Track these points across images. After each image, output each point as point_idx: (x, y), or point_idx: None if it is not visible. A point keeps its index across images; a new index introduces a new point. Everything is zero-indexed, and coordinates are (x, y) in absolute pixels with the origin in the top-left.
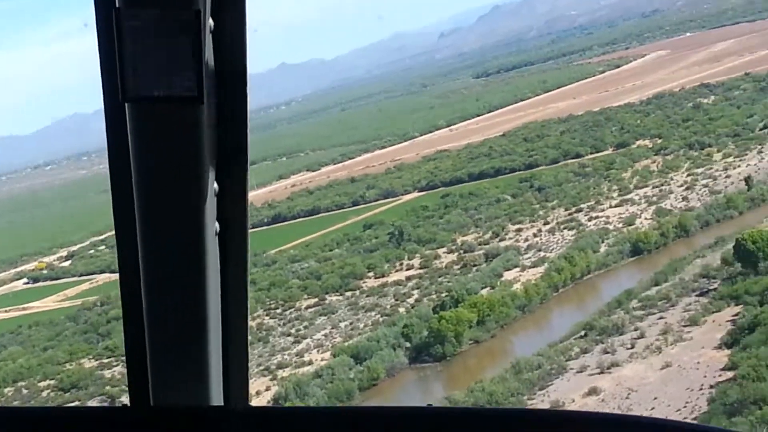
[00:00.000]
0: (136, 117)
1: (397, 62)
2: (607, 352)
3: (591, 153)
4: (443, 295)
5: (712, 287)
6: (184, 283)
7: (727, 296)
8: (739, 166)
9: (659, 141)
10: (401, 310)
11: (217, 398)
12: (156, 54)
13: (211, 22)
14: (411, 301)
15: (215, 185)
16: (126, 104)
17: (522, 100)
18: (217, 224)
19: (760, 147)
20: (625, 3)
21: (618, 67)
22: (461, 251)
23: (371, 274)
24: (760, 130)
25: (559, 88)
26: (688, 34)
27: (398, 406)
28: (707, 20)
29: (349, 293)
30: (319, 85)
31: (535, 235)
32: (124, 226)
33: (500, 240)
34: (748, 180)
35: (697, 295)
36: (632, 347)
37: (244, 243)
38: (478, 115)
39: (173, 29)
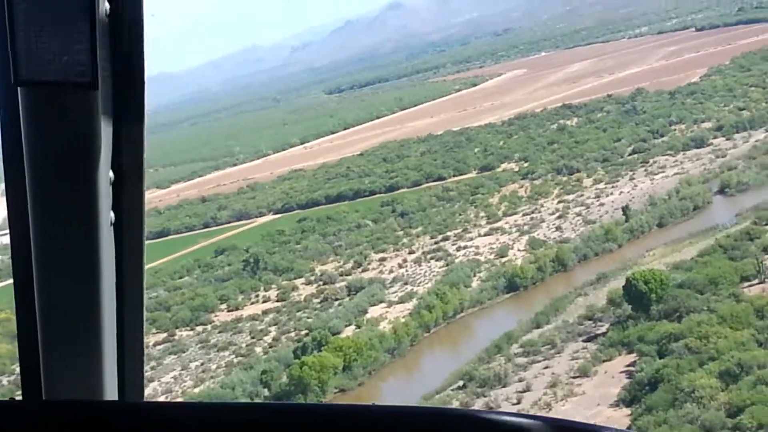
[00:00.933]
0: (28, 101)
1: (250, 76)
2: (491, 408)
3: (454, 175)
4: (303, 332)
5: (599, 331)
6: (78, 274)
7: (617, 343)
8: (611, 193)
9: (525, 164)
10: (258, 350)
11: (111, 393)
12: (49, 37)
13: (107, 5)
14: (268, 339)
15: (110, 174)
16: (18, 88)
17: (378, 118)
18: (112, 214)
19: (631, 173)
20: (476, 21)
21: (475, 85)
22: (321, 282)
23: (224, 306)
24: (630, 155)
25: (415, 105)
26: (543, 53)
27: (302, 403)
28: (561, 40)
29: (200, 328)
30: (168, 99)
31: (400, 266)
32: (15, 214)
33: (363, 270)
34: (625, 210)
35: (584, 341)
36: (518, 402)
37: (140, 233)
38: (333, 133)
39: (67, 12)
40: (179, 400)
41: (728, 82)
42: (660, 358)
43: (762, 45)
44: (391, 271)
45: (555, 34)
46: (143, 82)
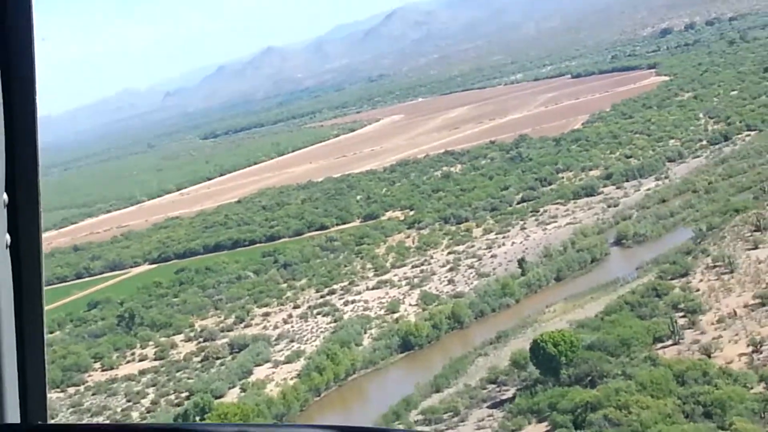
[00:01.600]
0: None
1: (124, 120)
2: None
3: (338, 224)
4: (184, 395)
5: (505, 397)
6: None
7: (527, 410)
8: (503, 243)
9: (411, 213)
10: (135, 414)
11: (13, 415)
12: None
13: None
14: (146, 402)
15: (4, 196)
16: None
17: (256, 164)
18: (8, 236)
19: (522, 222)
20: (349, 67)
21: (353, 131)
22: (201, 339)
23: (98, 365)
24: (519, 203)
25: (293, 151)
26: (420, 99)
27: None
28: (436, 86)
29: (72, 390)
30: (42, 143)
31: (285, 321)
32: None
33: (246, 326)
34: (521, 263)
35: (489, 407)
36: None
37: (37, 254)
38: (210, 179)
39: None
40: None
41: (612, 129)
42: (577, 430)
43: (640, 92)
44: (275, 327)
45: (430, 80)
46: (35, 103)
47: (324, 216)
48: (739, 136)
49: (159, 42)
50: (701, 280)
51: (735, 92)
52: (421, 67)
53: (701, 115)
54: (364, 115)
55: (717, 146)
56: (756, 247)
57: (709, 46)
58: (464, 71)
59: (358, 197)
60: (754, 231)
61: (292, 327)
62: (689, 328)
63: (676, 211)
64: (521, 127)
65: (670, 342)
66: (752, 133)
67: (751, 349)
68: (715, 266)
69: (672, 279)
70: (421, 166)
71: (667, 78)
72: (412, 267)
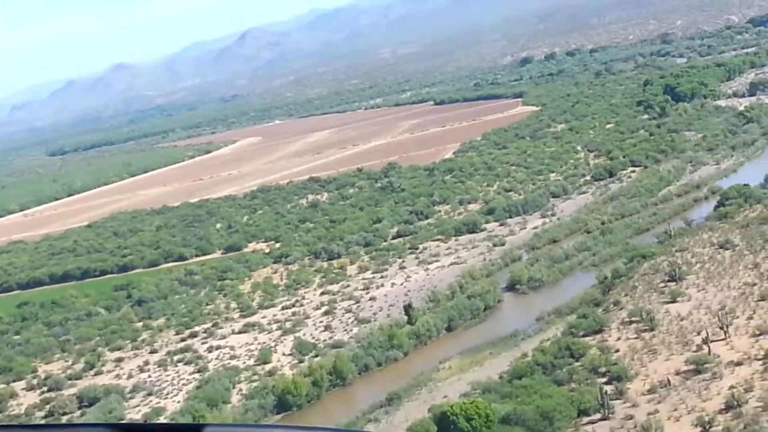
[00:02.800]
0: None
1: None
2: None
3: (197, 255)
4: None
5: None
6: None
7: None
8: (382, 284)
9: (277, 245)
10: None
11: None
12: None
13: None
14: None
15: None
16: None
17: (106, 184)
18: None
19: (400, 260)
20: (201, 86)
21: (209, 152)
22: (46, 388)
23: None
24: (394, 238)
25: (146, 172)
26: (277, 121)
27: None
28: (294, 108)
29: None
30: None
31: (141, 369)
32: None
33: (96, 373)
34: (408, 310)
35: None
36: None
37: None
38: (57, 199)
39: None
40: None
41: (486, 160)
42: None
43: (510, 121)
44: (130, 376)
45: (287, 102)
46: None
47: (182, 245)
48: (624, 171)
49: (5, 53)
50: (619, 338)
51: (611, 125)
52: (276, 88)
53: (579, 148)
54: (220, 136)
55: (602, 182)
56: (674, 301)
57: (574, 77)
58: (322, 94)
59: (218, 225)
60: (668, 281)
61: (150, 377)
62: (617, 399)
63: (571, 253)
64: (387, 154)
65: (598, 416)
66: (637, 169)
67: (699, 430)
68: (632, 321)
69: (585, 335)
70: (284, 192)
71: (536, 108)
72: (283, 308)
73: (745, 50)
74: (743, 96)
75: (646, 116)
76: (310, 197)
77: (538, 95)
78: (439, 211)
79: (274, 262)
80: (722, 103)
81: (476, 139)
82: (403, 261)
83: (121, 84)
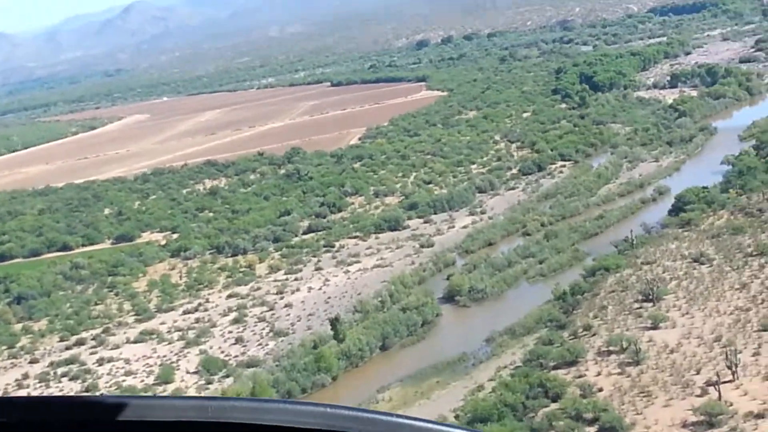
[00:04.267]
0: None
1: None
2: None
3: (84, 245)
4: None
5: None
6: None
7: None
8: (298, 288)
9: (174, 236)
10: None
11: None
12: None
13: None
14: None
15: None
16: None
17: None
18: None
19: (316, 260)
20: (85, 59)
21: (94, 128)
22: None
23: None
24: (306, 233)
25: (26, 148)
26: (165, 98)
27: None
28: (182, 85)
29: None
30: None
31: (19, 384)
32: None
33: None
34: (335, 324)
35: None
36: None
37: None
38: None
39: None
40: None
41: (398, 147)
42: None
43: (416, 106)
44: (5, 393)
45: (174, 79)
46: None
47: (67, 233)
48: (554, 166)
49: None
50: (599, 374)
51: (528, 114)
52: (162, 64)
53: (498, 138)
54: (105, 111)
55: (531, 177)
56: (656, 327)
57: (477, 61)
58: (210, 71)
59: (107, 211)
60: (644, 301)
61: (29, 394)
62: None
63: (513, 260)
64: (287, 137)
65: None
66: (567, 163)
67: None
68: (610, 352)
69: (556, 367)
70: (179, 176)
71: (442, 93)
72: (184, 313)
73: (654, 39)
74: (664, 87)
75: (564, 105)
76: (208, 183)
77: (443, 80)
78: (353, 203)
79: (172, 256)
80: (644, 94)
81: (383, 125)
82: (319, 261)
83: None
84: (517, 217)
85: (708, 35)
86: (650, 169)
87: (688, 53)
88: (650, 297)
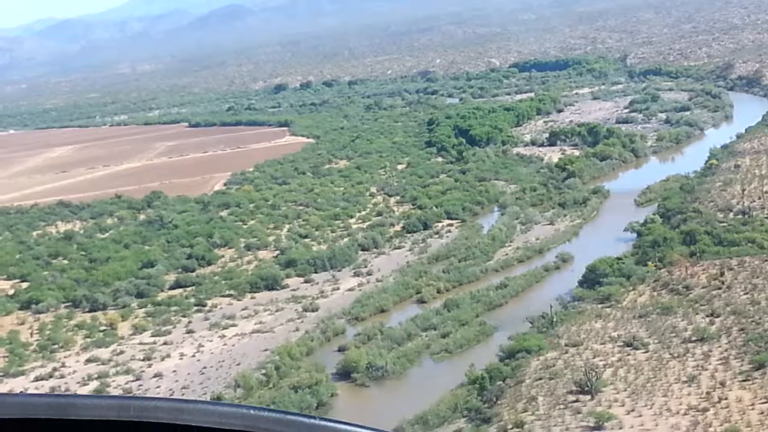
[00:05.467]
0: None
1: None
2: None
3: None
4: None
5: None
6: None
7: None
8: (168, 354)
9: (24, 285)
10: None
11: None
12: None
13: None
14: None
15: None
16: None
17: None
18: None
19: (187, 321)
20: None
21: None
22: None
23: None
24: (173, 288)
25: None
26: (11, 131)
27: None
28: (29, 118)
29: None
30: None
31: None
32: None
33: None
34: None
35: None
36: None
37: None
38: None
39: None
40: None
41: (266, 196)
42: None
43: (282, 152)
44: None
45: (20, 111)
46: None
47: None
48: (441, 224)
49: None
50: None
51: (403, 166)
52: (8, 95)
53: (374, 190)
54: None
55: (417, 235)
56: (600, 427)
57: (341, 108)
58: (59, 105)
59: None
60: (579, 392)
61: None
62: None
63: (412, 332)
64: (146, 179)
65: None
66: (454, 222)
67: None
68: None
69: None
70: (28, 217)
71: (308, 139)
72: (36, 379)
73: (522, 95)
74: (543, 145)
75: (440, 159)
76: (61, 226)
77: (307, 126)
78: (223, 256)
79: (21, 309)
80: (524, 150)
81: (248, 170)
82: (190, 322)
83: None
84: (410, 281)
85: (577, 93)
86: (546, 232)
87: (560, 110)
88: (586, 388)
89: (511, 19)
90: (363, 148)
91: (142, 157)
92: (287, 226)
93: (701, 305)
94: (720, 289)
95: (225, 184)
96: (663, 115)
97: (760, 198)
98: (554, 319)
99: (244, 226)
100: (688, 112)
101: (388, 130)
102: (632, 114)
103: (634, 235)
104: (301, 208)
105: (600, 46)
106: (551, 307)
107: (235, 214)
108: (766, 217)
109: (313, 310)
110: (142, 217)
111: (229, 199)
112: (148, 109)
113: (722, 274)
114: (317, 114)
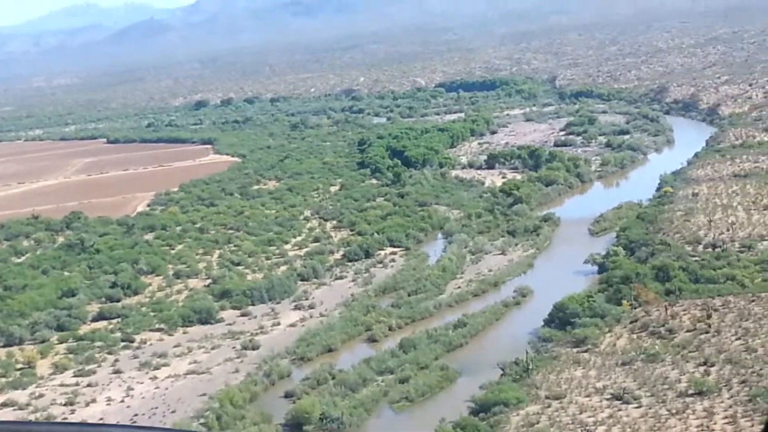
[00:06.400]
0: None
1: None
2: None
3: None
4: None
5: None
6: None
7: None
8: (93, 399)
9: None
10: None
11: None
12: None
13: None
14: None
15: None
16: None
17: None
18: None
19: (113, 359)
20: None
21: None
22: None
23: None
24: (96, 320)
25: None
26: None
27: None
28: None
29: None
30: None
31: None
32: None
33: None
34: None
35: None
36: None
37: None
38: None
39: None
40: None
41: (194, 218)
42: None
43: (207, 171)
44: None
45: None
46: None
47: None
48: (383, 252)
49: None
50: None
51: (336, 188)
52: None
53: (308, 214)
54: None
55: (359, 263)
56: None
57: (266, 127)
58: None
59: None
60: None
61: None
62: None
63: (367, 376)
64: (64, 197)
65: None
66: (397, 250)
67: None
68: None
69: None
70: None
71: (233, 158)
72: None
73: (453, 115)
74: (481, 168)
75: (375, 181)
76: None
77: (232, 144)
78: (150, 284)
79: None
80: (463, 174)
81: (173, 190)
82: (117, 360)
83: None
84: (358, 317)
85: (508, 114)
86: (498, 262)
87: (494, 132)
88: None
89: (433, 38)
90: (293, 169)
91: (59, 174)
92: (218, 251)
93: (690, 352)
94: (708, 333)
95: (149, 205)
96: (603, 138)
97: (728, 230)
98: (530, 366)
99: (172, 251)
100: (628, 136)
101: (317, 150)
102: (570, 137)
103: (596, 268)
104: (231, 232)
105: (525, 66)
106: (527, 352)
107: (161, 238)
108: (738, 250)
109: (253, 348)
110: (60, 239)
111: (154, 221)
112: (65, 124)
113: (709, 316)
114: (241, 132)
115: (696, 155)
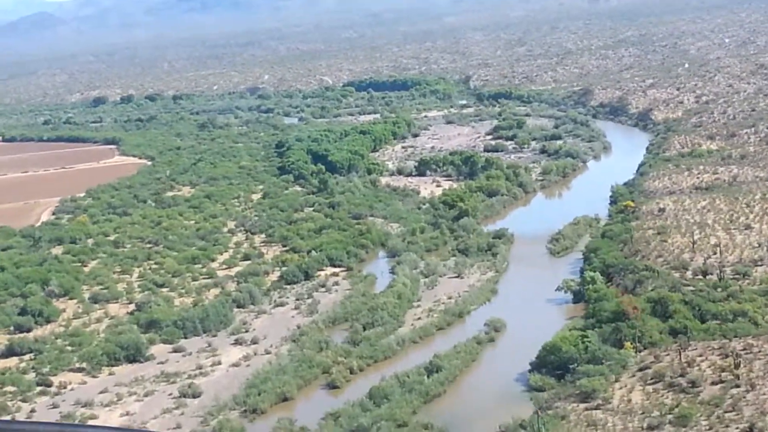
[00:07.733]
0: None
1: None
2: None
3: None
4: None
5: None
6: None
7: None
8: None
9: None
10: None
11: None
12: None
13: None
14: None
15: None
16: None
17: None
18: None
19: (29, 408)
20: None
21: None
22: None
23: None
24: (4, 356)
25: None
26: None
27: None
28: None
29: None
30: None
31: None
32: None
33: None
34: None
35: None
36: None
37: None
38: None
39: None
40: None
41: (107, 230)
42: None
43: (113, 175)
44: None
45: None
46: None
47: None
48: (324, 272)
49: None
50: None
51: (258, 196)
52: None
53: (233, 226)
54: None
55: (298, 286)
56: None
57: (172, 126)
58: None
59: None
60: None
61: None
62: None
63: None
64: None
65: None
66: (339, 270)
67: None
68: None
69: None
70: None
71: (140, 160)
72: None
73: (368, 116)
74: (411, 174)
75: (300, 188)
76: None
77: (138, 144)
78: (64, 309)
79: None
80: (393, 181)
81: (79, 196)
82: (33, 411)
83: None
84: (311, 356)
85: (426, 116)
86: (456, 287)
87: (416, 135)
88: None
89: (332, 36)
90: (207, 173)
91: None
92: (137, 269)
93: (726, 412)
94: (738, 386)
95: (54, 213)
96: (536, 144)
97: (715, 253)
98: (538, 428)
99: (86, 269)
100: (560, 141)
101: (230, 152)
102: (499, 141)
103: (570, 296)
104: (150, 246)
105: (434, 66)
106: (537, 415)
107: (71, 252)
108: (732, 277)
109: (194, 396)
110: None
111: (62, 233)
112: None
113: (738, 366)
114: (147, 131)
115: (648, 165)
